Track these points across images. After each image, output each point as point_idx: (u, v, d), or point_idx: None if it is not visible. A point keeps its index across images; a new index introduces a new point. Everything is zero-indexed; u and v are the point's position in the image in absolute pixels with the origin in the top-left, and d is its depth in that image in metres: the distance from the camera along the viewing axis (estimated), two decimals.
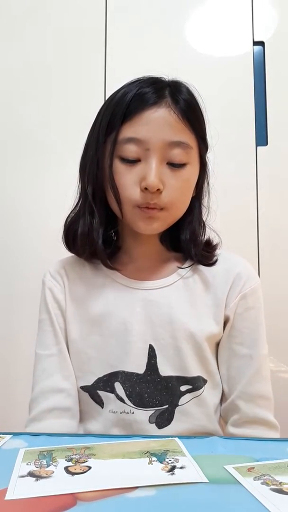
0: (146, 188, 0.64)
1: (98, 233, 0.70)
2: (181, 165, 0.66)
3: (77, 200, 0.74)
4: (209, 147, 0.73)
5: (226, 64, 1.34)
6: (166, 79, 0.69)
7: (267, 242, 1.29)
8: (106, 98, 0.72)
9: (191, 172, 0.69)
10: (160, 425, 0.69)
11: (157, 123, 0.64)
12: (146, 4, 1.36)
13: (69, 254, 0.77)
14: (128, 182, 0.66)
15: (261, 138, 1.32)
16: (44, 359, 0.72)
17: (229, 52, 1.35)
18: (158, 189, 0.64)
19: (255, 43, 1.35)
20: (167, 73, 0.70)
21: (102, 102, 0.73)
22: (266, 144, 1.32)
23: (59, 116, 1.34)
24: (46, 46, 1.36)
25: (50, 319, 0.73)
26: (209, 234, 0.76)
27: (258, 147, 1.32)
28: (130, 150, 0.65)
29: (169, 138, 0.65)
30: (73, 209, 0.75)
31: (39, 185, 1.33)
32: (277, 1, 1.35)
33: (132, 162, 0.66)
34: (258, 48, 1.35)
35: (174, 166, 0.66)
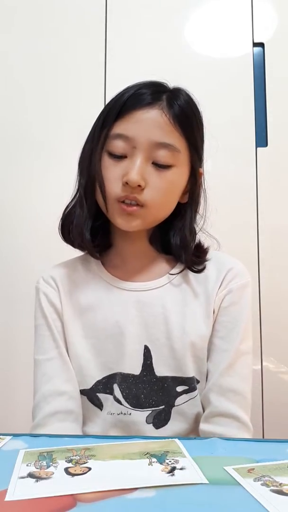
0: (127, 183, 0.65)
1: (86, 225, 0.72)
2: (166, 167, 0.67)
3: (75, 192, 0.76)
4: (203, 159, 0.74)
5: (226, 65, 1.34)
6: (169, 85, 0.70)
7: (267, 243, 1.29)
8: (106, 99, 0.72)
9: (177, 175, 0.69)
10: (157, 426, 0.69)
11: (146, 123, 0.66)
12: (146, 4, 1.36)
13: (68, 257, 0.78)
14: (112, 176, 0.67)
15: (261, 139, 1.32)
16: (44, 364, 0.71)
17: (229, 53, 1.35)
18: (139, 186, 0.65)
19: (255, 44, 1.35)
20: (170, 78, 0.70)
21: (102, 103, 0.73)
22: (266, 145, 1.32)
23: (59, 116, 1.34)
24: (46, 46, 1.36)
25: (47, 323, 0.73)
26: (200, 236, 0.76)
27: (258, 148, 1.32)
28: (118, 146, 0.67)
29: (156, 139, 0.66)
30: (70, 201, 0.76)
31: (38, 186, 1.33)
32: (277, 2, 1.35)
33: (119, 157, 0.67)
34: (258, 49, 1.35)
35: (159, 166, 0.67)
